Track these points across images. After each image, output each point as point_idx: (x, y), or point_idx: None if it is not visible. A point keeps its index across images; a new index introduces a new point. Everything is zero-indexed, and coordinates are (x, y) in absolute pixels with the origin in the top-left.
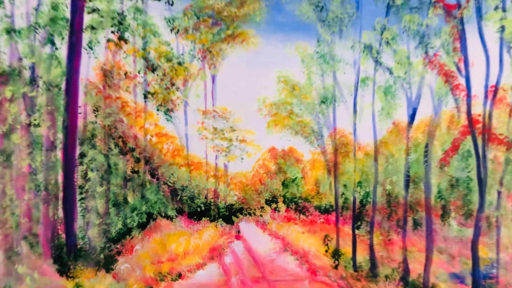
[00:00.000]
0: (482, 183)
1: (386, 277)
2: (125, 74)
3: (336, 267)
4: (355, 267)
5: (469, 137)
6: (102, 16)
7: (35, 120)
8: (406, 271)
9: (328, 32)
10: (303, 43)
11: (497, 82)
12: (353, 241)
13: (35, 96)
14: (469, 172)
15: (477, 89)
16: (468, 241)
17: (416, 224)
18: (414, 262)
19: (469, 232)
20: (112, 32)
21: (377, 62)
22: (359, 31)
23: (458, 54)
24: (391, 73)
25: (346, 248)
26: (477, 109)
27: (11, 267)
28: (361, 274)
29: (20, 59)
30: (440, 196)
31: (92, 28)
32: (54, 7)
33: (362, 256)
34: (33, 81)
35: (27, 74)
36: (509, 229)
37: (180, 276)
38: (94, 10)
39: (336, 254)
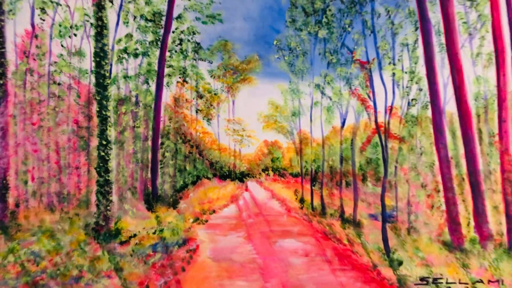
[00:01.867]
0: (385, 161)
1: (331, 214)
2: (186, 99)
3: (301, 208)
4: (313, 209)
5: (376, 135)
6: (174, 69)
7: (137, 124)
8: (343, 212)
9: (295, 77)
10: (282, 83)
11: (392, 104)
12: (311, 193)
13: (137, 111)
14: (377, 155)
15: (380, 108)
16: (378, 195)
17: (347, 184)
18: (347, 206)
19: (379, 189)
20: (179, 77)
21: (322, 93)
22: (313, 76)
23: (368, 89)
24: (331, 99)
25: (307, 197)
26: (381, 119)
27: (121, 205)
28: (316, 213)
29: (130, 91)
30: (361, 168)
31: (169, 75)
32: (149, 64)
33: (316, 202)
34: (136, 103)
35: (133, 99)
36: (403, 188)
37: (214, 211)
38: (170, 66)
39: (302, 201)
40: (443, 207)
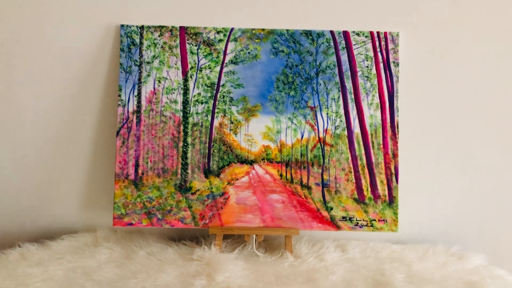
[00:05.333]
0: (323, 156)
1: (295, 182)
2: (225, 124)
3: (281, 178)
4: (286, 179)
5: (319, 143)
6: (219, 109)
7: (201, 136)
8: (302, 181)
9: (279, 114)
10: (271, 117)
11: (326, 128)
12: (285, 171)
13: (201, 129)
14: (319, 153)
15: (321, 129)
16: (320, 173)
17: (304, 167)
18: (303, 178)
19: (320, 170)
20: (222, 113)
21: (292, 122)
22: (286, 114)
23: (314, 120)
24: (296, 125)
25: (283, 173)
26: (321, 135)
27: (192, 174)
28: (288, 181)
29: (199, 119)
30: (311, 159)
31: (217, 112)
32: (208, 107)
33: (288, 176)
34: (201, 125)
35: (200, 123)
36: (332, 170)
37: (237, 179)
38: (218, 108)
39: (281, 175)
40: (354, 181)
